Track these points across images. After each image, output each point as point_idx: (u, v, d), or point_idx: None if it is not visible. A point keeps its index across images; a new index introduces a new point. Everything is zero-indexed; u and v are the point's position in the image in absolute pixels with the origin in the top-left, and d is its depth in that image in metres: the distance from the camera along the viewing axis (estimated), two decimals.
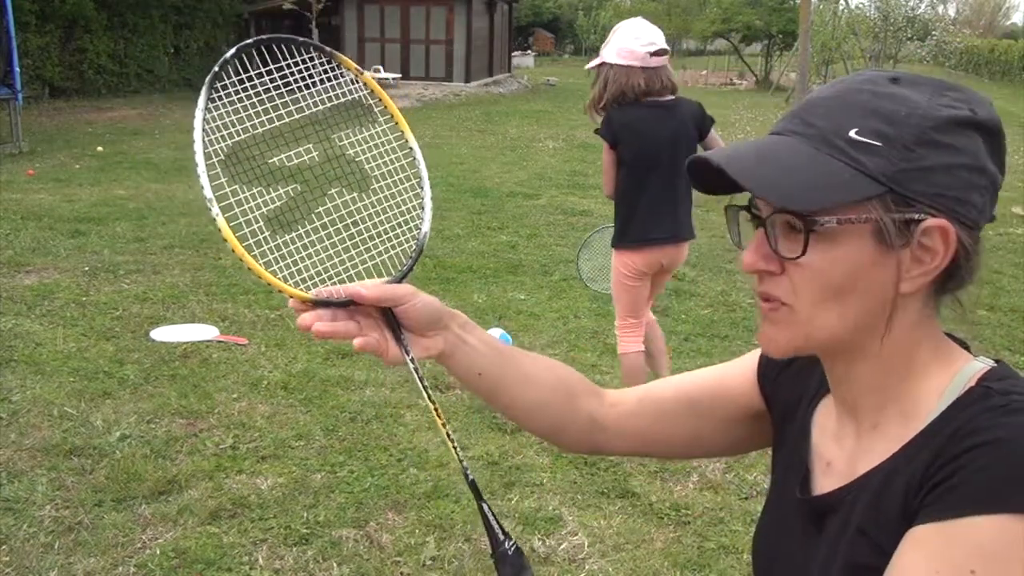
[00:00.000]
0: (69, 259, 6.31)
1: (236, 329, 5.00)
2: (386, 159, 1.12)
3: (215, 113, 1.00)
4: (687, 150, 3.54)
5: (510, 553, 0.96)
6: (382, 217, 1.10)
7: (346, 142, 1.12)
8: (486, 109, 19.69)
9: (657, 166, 3.53)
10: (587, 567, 2.93)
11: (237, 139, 1.03)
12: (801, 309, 0.82)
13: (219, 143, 1.00)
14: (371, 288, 0.96)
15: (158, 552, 2.89)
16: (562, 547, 3.02)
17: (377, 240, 1.09)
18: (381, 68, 23.13)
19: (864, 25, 27.36)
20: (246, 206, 1.03)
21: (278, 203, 1.06)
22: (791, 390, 1.02)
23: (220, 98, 1.00)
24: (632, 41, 3.45)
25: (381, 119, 1.10)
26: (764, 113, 20.01)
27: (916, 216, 0.78)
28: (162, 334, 4.86)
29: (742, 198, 0.86)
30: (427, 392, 1.00)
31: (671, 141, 3.52)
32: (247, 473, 3.41)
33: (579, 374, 1.15)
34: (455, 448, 1.00)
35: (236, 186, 1.02)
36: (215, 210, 0.93)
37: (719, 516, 3.23)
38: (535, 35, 54.63)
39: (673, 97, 3.59)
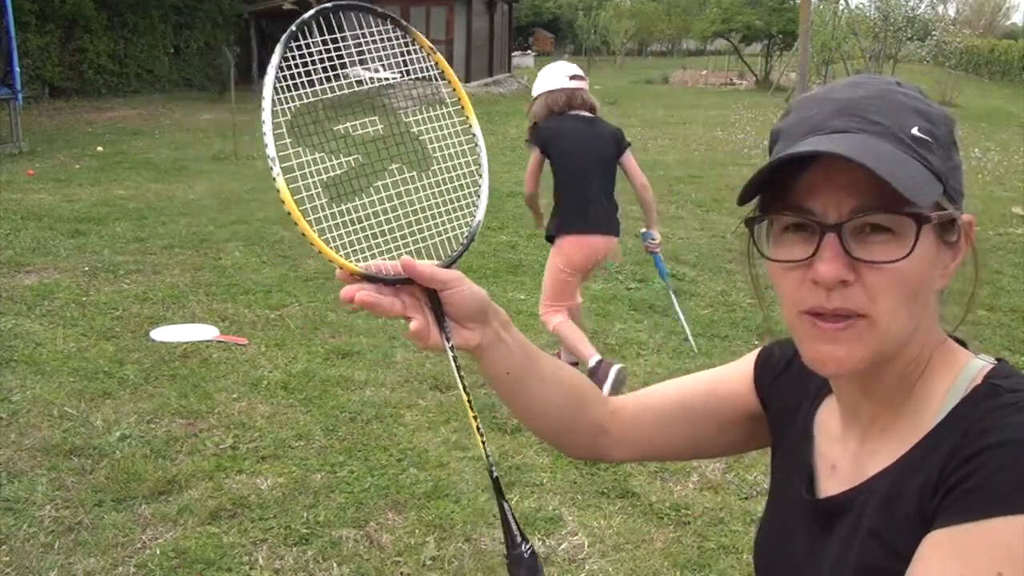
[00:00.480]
0: (69, 259, 6.31)
1: (236, 329, 5.00)
2: (449, 142, 1.09)
3: (287, 72, 0.96)
4: (607, 161, 4.11)
5: (526, 556, 0.94)
6: (438, 200, 1.07)
7: (412, 119, 1.09)
8: (486, 109, 19.69)
9: (584, 166, 4.06)
10: (587, 567, 2.93)
11: (305, 102, 1.00)
12: (880, 318, 0.77)
13: (288, 103, 0.97)
14: (425, 265, 0.94)
15: (158, 552, 2.89)
16: (562, 547, 3.02)
17: (431, 222, 1.06)
18: (381, 68, 23.13)
19: (864, 25, 27.33)
20: (306, 170, 1.00)
21: (338, 171, 1.03)
22: (790, 393, 1.01)
23: (294, 58, 0.97)
24: (553, 73, 4.16)
25: (448, 101, 1.07)
26: (764, 113, 20.01)
27: (959, 212, 0.80)
28: (162, 334, 4.86)
29: (760, 208, 0.83)
30: (463, 383, 0.97)
31: (591, 148, 4.07)
32: (247, 473, 3.41)
33: (589, 380, 1.15)
34: (483, 443, 0.97)
35: (300, 148, 0.99)
36: (276, 170, 0.90)
37: (719, 516, 3.23)
38: (535, 35, 54.62)
39: (593, 115, 4.15)
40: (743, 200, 0.82)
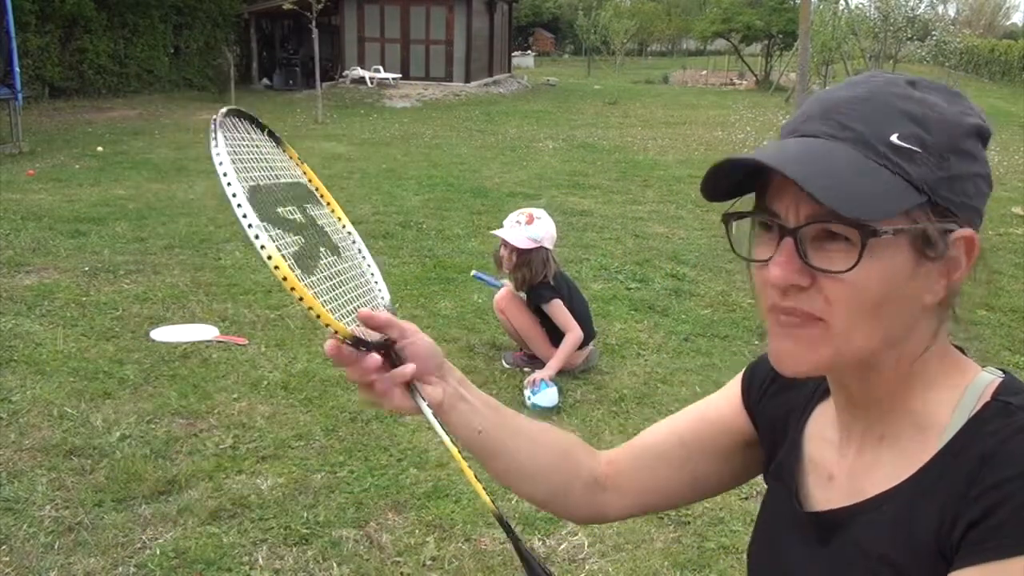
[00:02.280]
0: (69, 259, 6.31)
1: (236, 329, 5.00)
2: (340, 236, 1.10)
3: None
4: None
5: None
6: (353, 283, 1.07)
7: (314, 213, 1.07)
8: (486, 109, 19.70)
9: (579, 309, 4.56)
10: (587, 567, 2.93)
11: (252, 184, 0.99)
12: (836, 325, 0.76)
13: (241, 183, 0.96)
14: (382, 313, 0.94)
15: (158, 552, 2.89)
16: (562, 547, 3.02)
17: (352, 295, 1.06)
18: (381, 68, 23.11)
19: (864, 25, 27.35)
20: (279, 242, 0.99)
21: (295, 248, 1.02)
22: (779, 405, 1.00)
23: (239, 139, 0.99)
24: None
25: (323, 203, 1.10)
26: (764, 113, 20.03)
27: (949, 226, 0.76)
28: (162, 334, 4.86)
29: (742, 205, 0.83)
30: (448, 434, 0.95)
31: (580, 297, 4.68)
32: (247, 473, 3.41)
33: (572, 434, 1.13)
34: (484, 490, 0.95)
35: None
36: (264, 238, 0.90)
37: (719, 516, 3.23)
38: (535, 35, 54.66)
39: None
40: (714, 196, 0.81)
